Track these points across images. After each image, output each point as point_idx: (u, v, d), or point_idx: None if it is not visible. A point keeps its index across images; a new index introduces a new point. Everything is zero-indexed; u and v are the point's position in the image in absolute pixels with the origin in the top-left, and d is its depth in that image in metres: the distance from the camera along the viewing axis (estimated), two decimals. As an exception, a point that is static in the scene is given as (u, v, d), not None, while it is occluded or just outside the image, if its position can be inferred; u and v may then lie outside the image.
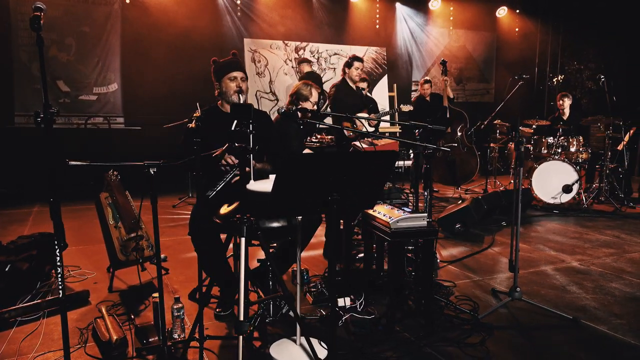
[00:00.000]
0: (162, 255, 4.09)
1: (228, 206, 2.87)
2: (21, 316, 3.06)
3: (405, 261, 3.60)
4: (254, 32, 9.01)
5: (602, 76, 6.73)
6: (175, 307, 2.80)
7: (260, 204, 2.23)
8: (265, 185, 2.58)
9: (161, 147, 8.22)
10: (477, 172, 7.83)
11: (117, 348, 2.61)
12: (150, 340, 2.70)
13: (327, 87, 6.37)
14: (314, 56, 9.25)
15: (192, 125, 2.29)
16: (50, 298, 3.26)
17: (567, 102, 7.15)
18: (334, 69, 9.38)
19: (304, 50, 9.18)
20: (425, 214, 2.86)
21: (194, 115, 2.40)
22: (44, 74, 2.00)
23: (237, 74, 3.18)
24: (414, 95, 10.62)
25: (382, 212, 2.97)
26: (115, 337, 2.60)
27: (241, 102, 3.15)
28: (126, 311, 3.20)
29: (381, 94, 9.52)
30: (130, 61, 8.42)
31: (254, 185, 2.35)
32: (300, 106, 3.64)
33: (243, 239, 1.80)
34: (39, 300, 3.19)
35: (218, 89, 3.24)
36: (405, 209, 2.98)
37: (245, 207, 2.13)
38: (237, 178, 3.09)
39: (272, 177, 2.73)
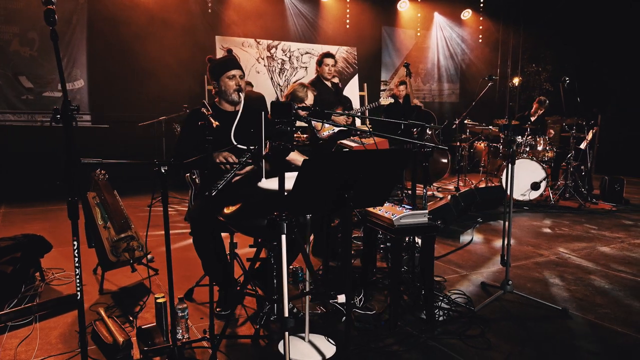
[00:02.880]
0: (150, 256, 4.01)
1: (232, 206, 2.86)
2: (12, 321, 2.95)
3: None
4: (225, 29, 8.92)
5: (566, 78, 7.02)
6: (179, 307, 2.77)
7: (276, 202, 2.23)
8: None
9: (130, 146, 8.13)
10: (448, 171, 8.03)
11: (123, 350, 2.55)
12: (155, 341, 2.65)
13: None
14: (285, 55, 9.24)
15: (215, 124, 2.27)
16: (41, 301, 3.15)
17: (540, 111, 7.47)
18: (306, 67, 9.40)
19: (276, 49, 9.16)
20: (426, 211, 2.94)
21: (208, 113, 2.37)
22: (61, 72, 1.96)
23: (236, 72, 3.16)
24: (382, 94, 10.79)
25: (383, 209, 3.02)
26: (121, 340, 2.55)
27: (241, 100, 3.14)
28: (123, 313, 3.13)
29: (352, 93, 9.61)
30: (97, 57, 8.18)
31: (268, 184, 2.36)
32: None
33: (284, 237, 1.81)
34: (30, 304, 3.08)
35: (216, 88, 3.21)
36: (406, 206, 3.05)
37: (266, 206, 2.14)
38: (238, 177, 3.08)
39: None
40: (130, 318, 3.05)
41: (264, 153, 2.78)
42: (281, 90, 9.17)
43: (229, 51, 3.29)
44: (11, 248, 3.49)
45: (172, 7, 8.44)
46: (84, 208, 3.71)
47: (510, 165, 3.29)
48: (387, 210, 2.98)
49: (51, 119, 1.88)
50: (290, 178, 2.77)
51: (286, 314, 1.80)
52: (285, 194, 2.07)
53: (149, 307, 3.21)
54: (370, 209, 3.10)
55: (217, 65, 3.19)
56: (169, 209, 2.52)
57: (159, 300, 2.79)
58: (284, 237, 1.81)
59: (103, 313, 2.88)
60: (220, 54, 8.64)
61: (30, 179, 7.49)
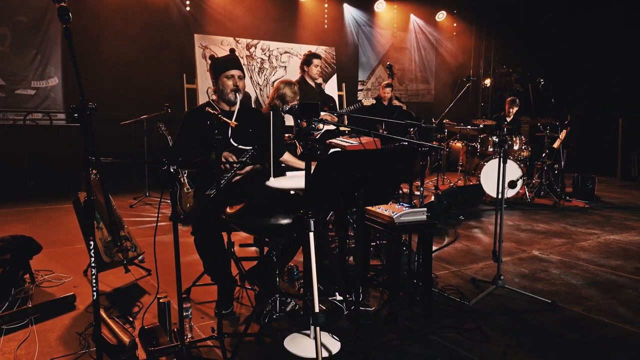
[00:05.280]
0: (140, 257, 3.97)
1: (235, 205, 2.87)
2: (7, 324, 2.89)
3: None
4: (204, 27, 8.84)
5: (541, 80, 7.23)
6: (184, 306, 2.76)
7: (286, 200, 2.26)
8: (287, 182, 2.61)
9: (108, 145, 7.94)
10: (427, 170, 8.18)
11: (129, 351, 2.53)
12: (160, 341, 2.65)
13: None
14: (265, 54, 9.23)
15: (233, 124, 2.28)
16: (36, 303, 3.09)
17: (513, 109, 7.69)
18: (285, 67, 9.40)
19: (255, 48, 9.14)
20: (425, 209, 3.01)
21: (217, 113, 2.37)
22: (76, 69, 1.93)
23: (235, 72, 3.17)
24: (359, 94, 10.89)
25: (382, 207, 3.08)
26: (127, 340, 2.53)
27: (238, 100, 3.15)
28: (121, 314, 3.10)
29: (331, 93, 9.64)
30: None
31: (276, 183, 2.38)
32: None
33: (312, 234, 1.84)
34: (24, 306, 3.02)
35: (214, 87, 3.21)
36: (404, 204, 3.12)
37: (272, 205, 2.16)
38: (238, 177, 3.09)
39: (290, 174, 2.77)
40: (130, 319, 3.02)
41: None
42: (260, 90, 9.15)
43: (232, 51, 3.30)
44: (1, 250, 3.40)
45: (150, 4, 8.31)
46: (75, 208, 3.65)
47: (502, 164, 3.40)
48: (386, 208, 3.04)
49: (69, 117, 1.85)
50: (293, 177, 2.81)
51: (316, 310, 1.83)
52: (292, 192, 2.10)
53: (147, 307, 3.18)
54: (368, 207, 3.15)
55: (217, 64, 3.19)
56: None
57: (162, 300, 2.78)
58: (311, 234, 1.85)
59: (104, 314, 2.85)
60: (199, 53, 8.56)
61: (2, 180, 7.28)
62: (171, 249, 2.96)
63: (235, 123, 2.34)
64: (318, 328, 1.85)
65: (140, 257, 3.97)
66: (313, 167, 1.95)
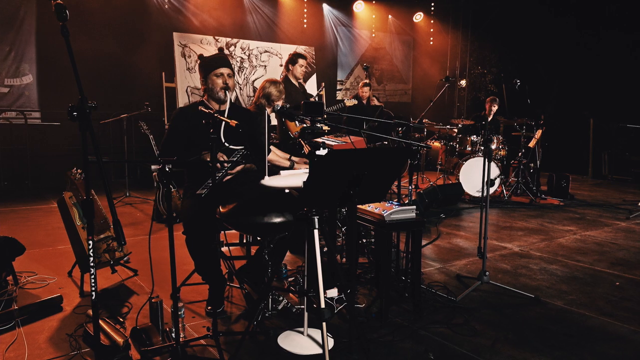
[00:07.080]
0: (126, 257, 3.93)
1: (227, 204, 2.87)
2: (-6, 326, 2.83)
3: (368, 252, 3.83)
4: (183, 26, 8.78)
5: (517, 81, 7.39)
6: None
7: (279, 199, 2.28)
8: (282, 181, 2.63)
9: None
10: (407, 169, 8.27)
11: (123, 351, 2.52)
12: (153, 341, 2.64)
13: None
14: (244, 53, 9.20)
15: (234, 123, 2.28)
16: (21, 305, 3.03)
17: (494, 108, 7.84)
18: (265, 66, 9.40)
19: (235, 47, 9.10)
20: (414, 207, 3.07)
21: (210, 112, 2.37)
22: (74, 67, 1.92)
23: (224, 71, 3.16)
24: (338, 94, 10.96)
25: (372, 205, 3.13)
26: (121, 341, 2.51)
27: (228, 99, 3.15)
28: (111, 314, 3.07)
29: (311, 93, 9.68)
30: (47, 52, 7.81)
31: (271, 182, 2.40)
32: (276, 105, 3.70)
33: (316, 231, 1.86)
34: (10, 309, 2.97)
35: (204, 85, 3.20)
36: (393, 202, 3.17)
37: (265, 203, 2.18)
38: (228, 177, 3.09)
39: (284, 173, 2.79)
40: (120, 319, 2.99)
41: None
42: (240, 89, 9.12)
43: (220, 50, 3.29)
44: (-18, 251, 3.33)
45: (128, 1, 8.20)
46: (60, 208, 3.59)
47: (487, 162, 3.48)
48: (376, 207, 3.09)
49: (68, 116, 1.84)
50: (287, 176, 2.83)
51: (323, 306, 1.86)
52: (287, 191, 2.12)
53: (136, 308, 3.16)
54: (358, 206, 3.19)
55: (206, 63, 3.18)
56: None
57: (154, 300, 2.77)
58: (316, 231, 1.87)
59: (94, 315, 2.81)
60: (178, 51, 8.49)
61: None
62: (158, 248, 2.96)
63: (236, 122, 2.34)
64: (324, 324, 1.87)
65: (126, 258, 3.93)
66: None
